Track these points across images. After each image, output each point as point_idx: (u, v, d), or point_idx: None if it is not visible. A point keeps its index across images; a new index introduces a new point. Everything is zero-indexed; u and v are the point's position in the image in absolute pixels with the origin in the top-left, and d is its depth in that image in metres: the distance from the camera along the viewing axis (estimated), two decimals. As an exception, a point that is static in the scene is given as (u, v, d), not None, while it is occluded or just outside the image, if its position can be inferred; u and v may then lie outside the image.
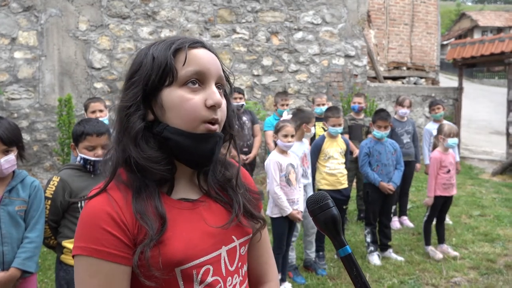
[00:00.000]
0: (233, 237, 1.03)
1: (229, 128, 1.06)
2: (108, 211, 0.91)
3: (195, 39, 1.01)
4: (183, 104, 0.95)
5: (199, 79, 0.97)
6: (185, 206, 1.00)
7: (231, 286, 1.02)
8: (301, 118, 4.18)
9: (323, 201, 0.95)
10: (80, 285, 0.91)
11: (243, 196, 1.08)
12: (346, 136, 5.54)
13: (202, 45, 1.01)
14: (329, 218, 0.94)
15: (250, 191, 1.12)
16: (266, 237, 1.18)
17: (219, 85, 1.01)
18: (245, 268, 1.08)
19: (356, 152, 5.15)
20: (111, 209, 0.91)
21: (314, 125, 4.38)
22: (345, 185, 4.52)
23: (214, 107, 0.97)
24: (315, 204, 0.96)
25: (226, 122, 1.04)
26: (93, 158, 2.42)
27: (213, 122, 0.97)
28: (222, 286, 1.00)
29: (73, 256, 0.93)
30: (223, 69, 1.04)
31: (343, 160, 4.51)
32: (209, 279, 0.97)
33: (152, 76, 0.95)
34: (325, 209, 0.94)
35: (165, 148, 0.97)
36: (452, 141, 4.56)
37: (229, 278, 1.01)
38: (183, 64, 0.96)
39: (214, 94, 0.97)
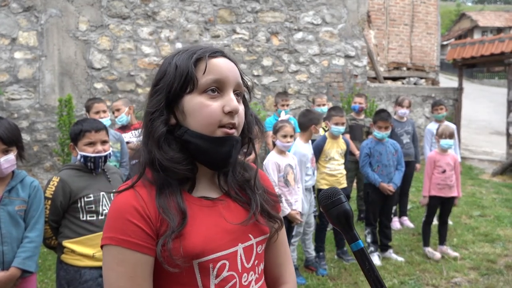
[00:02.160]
0: (250, 235, 1.09)
1: (248, 132, 1.12)
2: (134, 204, 0.99)
3: (215, 49, 1.08)
4: (202, 110, 1.02)
5: (218, 87, 1.04)
6: (205, 203, 1.06)
7: (247, 282, 1.07)
8: (310, 119, 4.17)
9: (336, 196, 0.98)
10: (107, 272, 0.99)
11: (261, 196, 1.13)
12: (347, 136, 5.54)
13: (222, 54, 1.08)
14: (341, 213, 0.97)
15: (269, 193, 1.17)
16: (284, 238, 1.21)
17: (237, 92, 1.08)
18: (261, 266, 1.13)
19: (357, 152, 5.15)
20: (136, 203, 0.99)
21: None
22: (344, 185, 4.52)
23: (231, 113, 1.03)
24: (327, 199, 0.98)
25: (245, 126, 1.10)
26: (93, 155, 2.43)
27: (230, 126, 1.04)
28: (238, 281, 1.04)
29: (101, 247, 1.00)
30: (242, 77, 1.10)
31: (343, 160, 4.52)
32: (225, 273, 1.03)
33: (174, 84, 1.03)
34: (337, 204, 0.97)
35: (186, 150, 1.04)
36: (445, 142, 4.54)
37: (245, 274, 1.06)
38: (204, 73, 1.03)
39: (231, 101, 1.03)
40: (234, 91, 1.06)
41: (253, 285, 1.08)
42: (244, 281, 1.05)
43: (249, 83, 1.14)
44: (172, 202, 1.00)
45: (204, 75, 1.03)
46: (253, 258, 1.08)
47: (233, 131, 1.04)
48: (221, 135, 1.03)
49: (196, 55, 1.04)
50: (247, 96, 1.14)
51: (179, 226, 0.98)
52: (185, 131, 1.03)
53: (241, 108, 1.07)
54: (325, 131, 4.67)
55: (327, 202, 0.98)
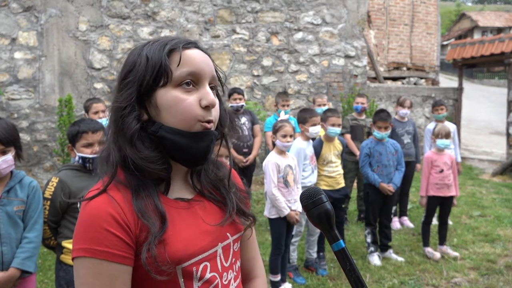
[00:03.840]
0: (227, 234, 1.06)
1: (221, 127, 1.08)
2: (110, 211, 0.91)
3: (188, 40, 1.02)
4: (178, 104, 0.96)
5: (193, 80, 0.99)
6: (181, 205, 1.02)
7: (227, 281, 1.05)
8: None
9: (316, 196, 0.96)
10: (82, 287, 0.90)
11: (235, 195, 1.11)
12: (348, 136, 5.54)
13: (195, 45, 1.02)
14: (322, 213, 0.95)
15: (240, 190, 1.16)
16: (254, 234, 1.21)
17: (212, 86, 1.03)
18: (238, 263, 1.12)
19: (358, 153, 5.13)
20: (113, 209, 0.91)
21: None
22: (343, 184, 4.50)
23: (208, 107, 0.98)
24: (308, 199, 0.97)
25: (218, 121, 1.06)
26: (91, 156, 2.44)
27: (208, 122, 0.99)
28: (219, 281, 1.02)
29: (73, 259, 0.92)
30: (215, 69, 1.05)
31: (340, 161, 4.50)
32: (207, 275, 1.00)
33: (146, 76, 0.96)
34: (318, 204, 0.95)
35: (160, 148, 0.98)
36: (441, 142, 4.54)
37: (225, 273, 1.04)
38: (178, 65, 0.97)
39: (208, 94, 0.99)
40: (209, 84, 1.01)
41: (233, 283, 1.06)
42: (225, 280, 1.03)
43: (222, 77, 1.08)
44: (150, 205, 0.94)
45: (178, 68, 0.96)
46: (230, 257, 1.07)
47: (211, 125, 0.99)
48: (200, 130, 0.98)
49: (169, 46, 0.98)
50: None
51: (160, 231, 0.92)
52: (159, 126, 0.96)
53: (216, 101, 1.02)
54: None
55: (307, 202, 0.96)
